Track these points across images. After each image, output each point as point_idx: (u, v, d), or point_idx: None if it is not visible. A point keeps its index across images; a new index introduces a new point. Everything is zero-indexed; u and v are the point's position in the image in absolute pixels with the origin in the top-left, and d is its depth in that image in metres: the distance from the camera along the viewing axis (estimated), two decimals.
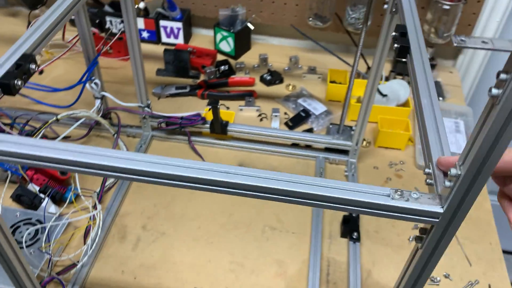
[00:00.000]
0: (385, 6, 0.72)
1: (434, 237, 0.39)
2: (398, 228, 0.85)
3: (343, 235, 0.84)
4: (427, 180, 0.40)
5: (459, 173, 0.34)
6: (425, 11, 1.11)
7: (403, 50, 0.55)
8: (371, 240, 0.83)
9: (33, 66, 0.51)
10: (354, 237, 0.82)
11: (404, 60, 0.57)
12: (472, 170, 0.33)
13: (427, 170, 0.40)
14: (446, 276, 0.78)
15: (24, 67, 0.49)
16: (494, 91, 0.29)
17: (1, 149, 0.43)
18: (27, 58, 0.50)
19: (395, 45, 0.56)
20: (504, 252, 0.84)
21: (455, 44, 0.28)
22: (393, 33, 0.59)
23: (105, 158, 0.42)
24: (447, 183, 0.35)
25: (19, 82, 0.48)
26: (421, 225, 0.41)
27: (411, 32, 0.57)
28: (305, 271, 0.78)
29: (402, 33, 0.57)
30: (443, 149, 0.41)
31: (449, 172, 0.35)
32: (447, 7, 1.05)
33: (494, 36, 1.18)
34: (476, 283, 0.77)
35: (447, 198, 0.36)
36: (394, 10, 0.71)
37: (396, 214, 0.38)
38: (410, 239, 0.84)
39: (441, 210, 0.36)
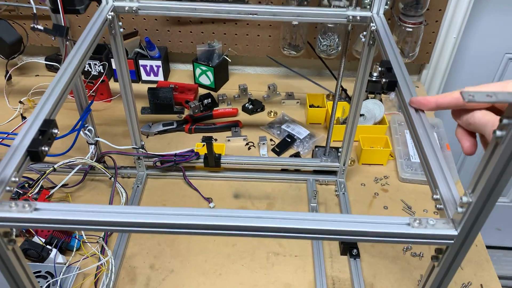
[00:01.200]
0: (362, 39, 0.78)
1: (450, 256, 0.44)
2: None
3: (343, 252, 0.89)
4: (437, 206, 0.45)
5: (470, 200, 0.39)
6: None
7: (392, 84, 0.61)
8: (369, 254, 0.89)
9: (55, 130, 0.53)
10: (354, 253, 0.87)
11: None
12: (482, 198, 0.38)
13: (435, 197, 0.46)
14: None
15: (48, 133, 0.51)
16: (498, 133, 0.35)
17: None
18: (50, 124, 0.52)
19: (383, 80, 0.62)
20: (487, 247, 0.91)
21: (466, 101, 0.33)
22: (380, 68, 0.65)
23: (107, 215, 0.44)
24: (460, 209, 0.41)
25: (46, 148, 0.50)
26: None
27: (395, 66, 0.64)
28: None
29: (388, 68, 0.63)
30: (446, 176, 0.47)
31: (461, 200, 0.40)
32: (410, 29, 1.13)
33: (453, 51, 1.28)
34: (469, 284, 0.84)
35: (460, 222, 0.41)
36: (371, 42, 0.78)
37: (416, 240, 0.43)
38: (405, 250, 0.90)
39: (455, 233, 0.42)
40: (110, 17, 0.74)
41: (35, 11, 0.72)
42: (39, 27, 0.72)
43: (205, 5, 0.77)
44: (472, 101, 0.33)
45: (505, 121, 0.34)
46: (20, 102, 1.16)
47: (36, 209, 0.44)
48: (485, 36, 1.32)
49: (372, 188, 1.02)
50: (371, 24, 0.74)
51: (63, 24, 0.73)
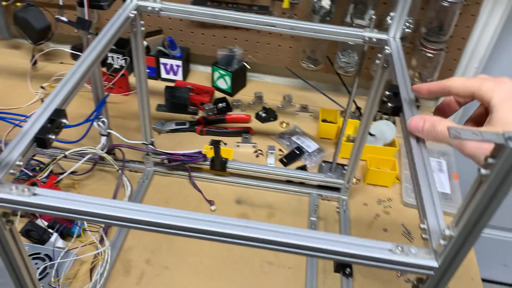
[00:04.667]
0: (377, 61, 0.79)
1: (430, 286, 0.44)
2: None
3: (336, 270, 0.88)
4: (423, 235, 0.46)
5: (452, 234, 0.40)
6: (410, 56, 1.20)
7: (397, 109, 0.62)
8: (363, 274, 0.89)
9: (64, 120, 0.55)
10: (347, 272, 0.87)
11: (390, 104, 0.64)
12: (464, 233, 0.39)
13: (422, 226, 0.46)
14: None
15: (56, 122, 0.54)
16: (483, 171, 0.35)
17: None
18: (60, 114, 0.54)
19: (389, 105, 0.63)
20: (487, 281, 0.90)
21: (451, 137, 0.34)
22: (387, 92, 0.65)
23: (103, 208, 0.45)
24: (442, 242, 0.41)
25: (53, 136, 0.53)
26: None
27: (402, 91, 0.64)
28: None
29: (395, 93, 0.64)
30: (436, 207, 0.47)
31: (443, 232, 0.41)
32: (431, 55, 1.13)
33: None
34: None
35: (441, 254, 0.42)
36: (385, 65, 0.78)
37: (396, 267, 0.43)
38: (399, 275, 0.89)
39: (436, 265, 0.42)
40: (132, 15, 0.77)
41: (61, 3, 0.74)
42: (63, 18, 0.74)
43: (225, 13, 0.79)
44: (458, 138, 0.34)
45: (490, 160, 0.34)
46: (42, 87, 1.20)
47: (34, 194, 0.46)
48: (509, 68, 1.30)
49: (374, 209, 1.02)
50: (386, 48, 0.75)
51: (86, 18, 0.76)
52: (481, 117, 0.55)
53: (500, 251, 1.68)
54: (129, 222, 0.46)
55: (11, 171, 0.47)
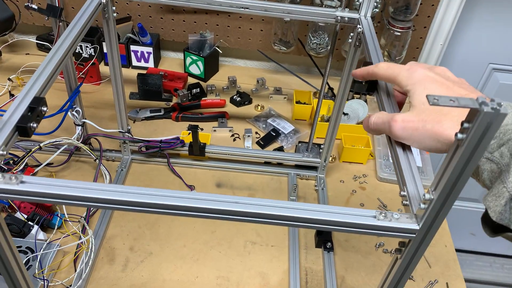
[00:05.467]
0: (349, 40, 0.81)
1: (412, 249, 0.47)
2: (365, 237, 0.94)
3: (318, 245, 0.91)
4: (403, 202, 0.48)
5: (432, 197, 0.42)
6: (378, 36, 1.23)
7: (372, 86, 0.64)
8: (343, 248, 0.92)
9: (44, 108, 0.54)
10: (328, 247, 0.90)
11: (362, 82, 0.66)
12: (443, 196, 0.41)
13: (402, 193, 0.49)
14: (410, 278, 0.88)
15: (37, 110, 0.53)
16: (459, 135, 0.37)
17: None
18: (39, 101, 0.53)
19: (363, 82, 0.65)
20: (457, 250, 0.95)
21: (430, 104, 0.36)
22: (363, 82, 0.66)
23: (90, 191, 0.46)
24: (422, 205, 0.44)
25: (34, 125, 0.52)
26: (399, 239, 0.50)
27: None
28: (286, 281, 0.85)
29: None
30: (414, 175, 0.50)
31: (423, 197, 0.43)
32: (398, 33, 1.16)
33: (439, 57, 1.31)
34: (436, 282, 0.87)
35: (422, 217, 0.44)
36: (357, 44, 0.80)
37: (380, 232, 0.46)
38: (377, 246, 0.93)
39: (417, 227, 0.45)
40: (104, 1, 0.75)
41: None
42: (34, 6, 0.73)
43: None
44: (437, 105, 0.36)
45: (465, 125, 0.37)
46: (9, 79, 1.16)
47: (22, 182, 0.45)
48: (471, 45, 1.36)
49: (350, 185, 1.05)
50: (358, 26, 0.77)
51: (57, 5, 0.75)
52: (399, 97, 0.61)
53: (468, 221, 1.75)
54: (114, 203, 0.46)
55: None
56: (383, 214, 0.45)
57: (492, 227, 0.46)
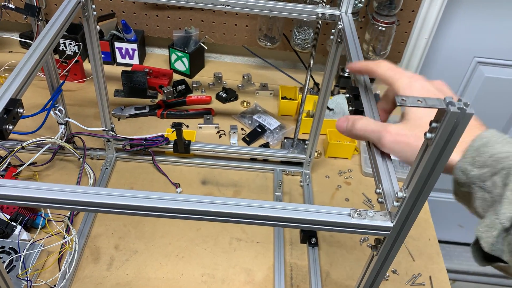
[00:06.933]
0: (331, 37, 0.81)
1: (387, 246, 0.47)
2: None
3: (303, 241, 0.92)
4: (379, 199, 0.49)
5: (405, 195, 0.43)
6: (363, 31, 1.23)
7: (358, 113, 0.59)
8: (327, 243, 0.93)
9: (20, 110, 0.54)
10: (313, 242, 0.90)
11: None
12: (414, 194, 0.42)
13: (378, 191, 0.49)
14: (394, 272, 0.89)
15: (13, 112, 0.53)
16: (428, 135, 0.38)
17: None
18: (15, 103, 0.53)
19: (350, 108, 0.60)
20: (446, 242, 0.96)
21: (398, 104, 0.36)
22: (347, 95, 0.62)
23: (74, 194, 0.46)
24: (395, 203, 0.44)
25: (10, 127, 0.52)
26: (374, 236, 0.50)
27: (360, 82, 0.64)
28: (271, 277, 0.85)
29: (355, 95, 0.59)
30: (390, 173, 0.50)
31: (396, 195, 0.43)
32: (383, 28, 1.17)
33: (424, 51, 1.32)
34: (419, 275, 0.88)
35: (396, 215, 0.45)
36: (339, 40, 0.81)
37: (355, 230, 0.46)
38: (361, 241, 0.94)
39: (391, 225, 0.45)
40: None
41: None
42: (10, 5, 0.72)
43: None
44: (404, 105, 0.36)
45: (434, 124, 0.37)
46: None
47: None
48: (456, 39, 1.36)
49: (335, 181, 1.06)
50: (339, 23, 0.77)
51: (35, 4, 0.74)
52: (387, 98, 0.58)
53: (456, 213, 1.77)
54: (97, 206, 0.47)
55: None
56: (357, 212, 0.46)
57: (483, 256, 0.44)
